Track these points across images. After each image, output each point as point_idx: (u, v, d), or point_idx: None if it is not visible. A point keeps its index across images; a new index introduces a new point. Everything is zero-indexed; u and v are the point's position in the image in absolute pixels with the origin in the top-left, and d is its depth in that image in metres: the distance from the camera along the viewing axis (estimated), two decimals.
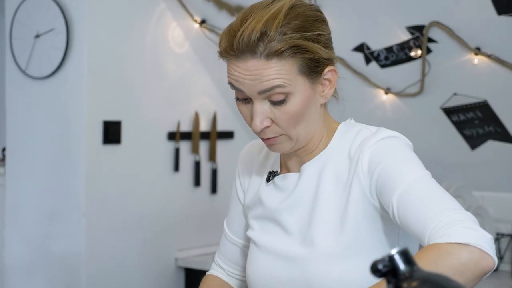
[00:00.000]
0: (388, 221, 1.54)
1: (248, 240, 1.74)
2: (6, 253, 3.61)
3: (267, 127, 1.55)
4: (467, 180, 3.29)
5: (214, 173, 3.92)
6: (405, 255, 0.95)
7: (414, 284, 0.93)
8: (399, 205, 1.45)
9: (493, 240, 1.39)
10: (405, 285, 0.93)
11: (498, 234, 3.36)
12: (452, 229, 1.37)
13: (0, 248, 3.63)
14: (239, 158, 1.82)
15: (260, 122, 1.53)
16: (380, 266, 0.94)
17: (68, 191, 3.44)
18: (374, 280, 1.42)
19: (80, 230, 3.39)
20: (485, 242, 1.36)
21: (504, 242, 3.39)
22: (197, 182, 3.84)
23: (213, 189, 3.92)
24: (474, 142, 3.27)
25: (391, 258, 0.95)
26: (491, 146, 3.24)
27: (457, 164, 3.30)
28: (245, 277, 1.78)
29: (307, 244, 1.58)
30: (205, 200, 3.90)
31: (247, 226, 1.75)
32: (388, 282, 0.95)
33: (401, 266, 0.95)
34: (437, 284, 0.93)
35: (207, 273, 1.87)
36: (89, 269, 3.39)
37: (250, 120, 1.56)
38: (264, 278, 1.63)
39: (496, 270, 3.35)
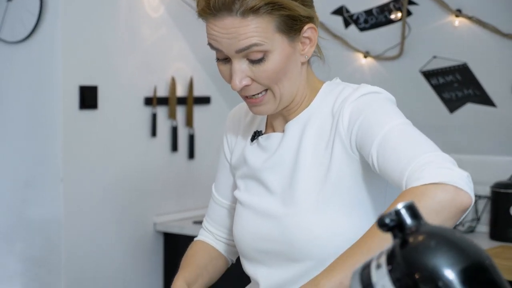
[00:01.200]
0: (374, 176, 1.53)
1: (235, 201, 1.74)
2: None
3: (247, 85, 1.54)
4: (445, 143, 3.31)
5: (191, 138, 3.91)
6: (412, 209, 0.95)
7: (421, 238, 0.93)
8: (378, 154, 1.44)
9: (469, 178, 1.37)
10: (411, 239, 0.93)
11: (476, 196, 3.39)
12: (426, 171, 1.35)
13: None
14: (226, 119, 1.82)
15: (239, 81, 1.53)
16: (387, 220, 0.94)
17: (45, 156, 3.41)
18: (358, 237, 1.42)
19: (58, 196, 3.36)
20: (460, 179, 1.34)
21: (481, 204, 3.42)
22: (174, 147, 3.82)
23: (191, 154, 3.91)
24: (453, 105, 3.28)
25: (397, 212, 0.94)
26: (470, 109, 3.26)
27: (436, 127, 3.32)
28: (232, 240, 1.78)
29: (288, 203, 1.58)
30: (182, 166, 3.88)
31: (234, 187, 1.75)
32: (395, 236, 0.94)
33: (408, 220, 0.94)
34: (443, 237, 0.93)
35: (195, 239, 1.87)
36: (67, 235, 3.37)
37: (229, 79, 1.55)
38: (249, 237, 1.63)
39: (472, 231, 3.38)
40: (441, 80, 3.21)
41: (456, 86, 3.21)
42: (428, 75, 3.24)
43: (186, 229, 3.60)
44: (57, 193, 3.36)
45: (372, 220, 1.52)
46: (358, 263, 1.29)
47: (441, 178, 1.34)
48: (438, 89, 3.26)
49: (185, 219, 3.77)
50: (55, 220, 3.37)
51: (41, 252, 3.42)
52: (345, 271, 1.34)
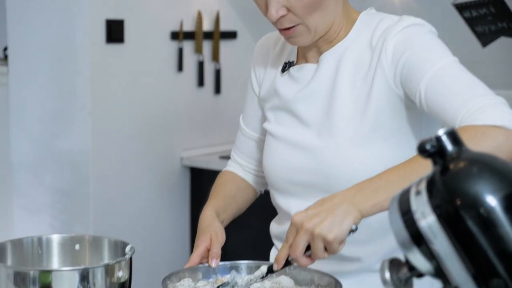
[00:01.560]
0: (412, 110, 1.52)
1: (264, 133, 1.73)
2: (13, 152, 3.60)
3: (283, 16, 1.51)
4: (477, 78, 3.26)
5: (217, 73, 3.88)
6: (453, 135, 0.93)
7: (462, 164, 0.91)
8: (427, 91, 1.43)
9: None
10: (452, 165, 0.91)
11: None
12: (485, 113, 1.35)
13: (7, 147, 3.61)
14: (254, 50, 1.79)
15: (275, 11, 1.50)
16: (427, 146, 0.92)
17: (72, 90, 3.41)
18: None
19: (86, 129, 3.37)
20: None
21: None
22: (200, 82, 3.80)
23: (217, 89, 3.89)
24: (486, 39, 3.22)
25: (438, 139, 0.92)
26: (503, 43, 3.19)
27: (468, 61, 3.26)
28: (261, 171, 1.78)
29: (325, 135, 1.57)
30: (208, 100, 3.87)
31: (263, 119, 1.73)
32: (435, 163, 0.92)
33: (449, 146, 0.92)
34: (485, 163, 0.91)
35: (223, 169, 1.86)
36: (95, 168, 3.39)
37: (265, 10, 1.53)
38: (282, 169, 1.62)
39: None
40: (474, 13, 3.14)
41: (489, 19, 3.14)
42: (461, 8, 3.17)
43: (212, 164, 3.61)
44: (85, 127, 3.37)
45: (409, 153, 1.49)
46: (395, 187, 1.28)
47: (502, 121, 1.33)
48: (471, 23, 3.19)
49: (211, 154, 3.78)
50: (83, 152, 3.38)
51: (69, 185, 3.44)
52: (382, 193, 1.34)
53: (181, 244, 3.77)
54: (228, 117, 3.87)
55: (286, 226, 1.65)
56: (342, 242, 1.34)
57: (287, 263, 1.41)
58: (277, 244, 1.72)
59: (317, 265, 1.45)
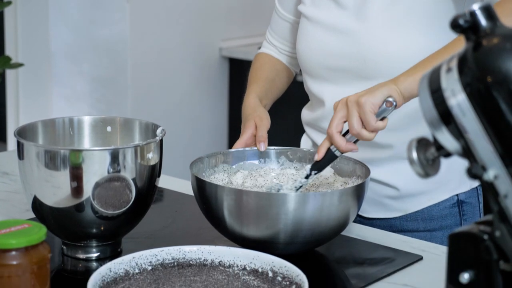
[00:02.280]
0: None
1: (299, 16, 1.69)
2: (52, 40, 3.59)
3: None
4: None
5: None
6: (488, 10, 0.89)
7: (495, 40, 0.87)
8: None
9: None
10: (485, 41, 0.87)
11: None
12: None
13: (46, 35, 3.61)
14: None
15: None
16: (460, 21, 0.88)
17: None
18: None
19: (124, 17, 3.35)
20: None
21: None
22: None
23: None
24: None
25: (472, 13, 0.88)
26: None
27: None
28: (295, 53, 1.75)
29: (362, 18, 1.53)
30: None
31: (298, 1, 1.69)
32: (468, 39, 0.89)
33: (483, 21, 0.88)
34: None
35: (258, 51, 1.83)
36: (133, 56, 3.38)
37: None
38: (316, 53, 1.59)
39: None
40: None
41: None
42: None
43: (251, 55, 3.56)
44: (123, 14, 3.35)
45: (449, 38, 1.45)
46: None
47: None
48: None
49: (250, 45, 3.74)
50: (122, 41, 3.37)
51: (107, 73, 3.45)
52: (421, 70, 1.32)
53: (219, 134, 3.79)
54: (268, 7, 3.80)
55: (317, 113, 1.64)
56: (373, 108, 1.33)
57: (332, 156, 1.40)
58: (308, 131, 1.70)
59: (351, 154, 1.43)
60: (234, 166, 1.54)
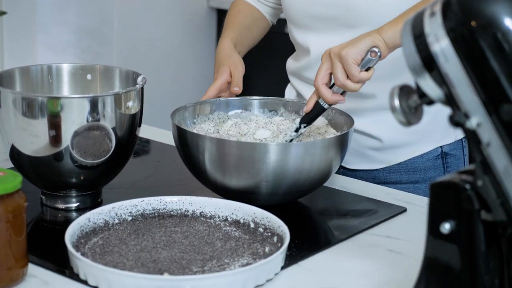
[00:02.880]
0: None
1: None
2: None
3: None
4: None
5: None
6: None
7: None
8: None
9: None
10: None
11: None
12: None
13: None
14: None
15: None
16: None
17: None
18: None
19: None
20: None
21: None
22: None
23: None
24: None
25: None
26: None
27: None
28: (275, 3, 1.71)
29: None
30: None
31: None
32: None
33: None
34: None
35: None
36: (120, 6, 3.33)
37: None
38: (301, 1, 1.55)
39: None
40: None
41: None
42: None
43: None
44: None
45: None
46: None
47: None
48: None
49: None
50: None
51: (93, 23, 3.40)
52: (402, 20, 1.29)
53: (206, 86, 3.74)
54: None
55: (302, 62, 1.61)
56: (355, 60, 1.32)
57: (321, 109, 1.38)
58: (293, 80, 1.67)
59: (338, 105, 1.41)
60: (219, 114, 1.51)
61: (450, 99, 0.85)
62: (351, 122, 1.40)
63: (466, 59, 0.83)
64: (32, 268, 1.15)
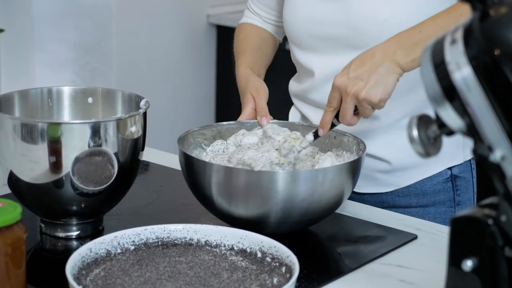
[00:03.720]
0: None
1: None
2: (34, 4, 3.49)
3: None
4: None
5: None
6: None
7: (504, 10, 0.81)
8: None
9: None
10: (492, 11, 0.81)
11: None
12: None
13: (28, 0, 3.51)
14: None
15: None
16: None
17: None
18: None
19: None
20: None
21: None
22: None
23: None
24: None
25: None
26: None
27: None
28: (281, 22, 1.68)
29: None
30: None
31: None
32: (474, 8, 0.82)
33: None
34: None
35: (240, 21, 1.76)
36: (119, 23, 3.30)
37: None
38: (304, 22, 1.52)
39: None
40: None
41: None
42: None
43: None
44: None
45: (441, 2, 1.38)
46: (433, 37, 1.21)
47: None
48: None
49: (239, 12, 3.63)
50: (106, 6, 3.28)
51: (92, 40, 3.36)
52: (422, 47, 1.26)
53: (207, 104, 3.72)
54: None
55: (306, 84, 1.57)
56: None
57: (332, 126, 1.37)
58: (297, 103, 1.64)
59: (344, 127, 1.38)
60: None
61: (472, 131, 0.81)
62: (363, 146, 1.36)
63: (489, 89, 0.80)
64: None
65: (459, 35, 0.82)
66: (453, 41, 0.82)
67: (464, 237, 0.84)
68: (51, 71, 3.43)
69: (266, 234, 1.21)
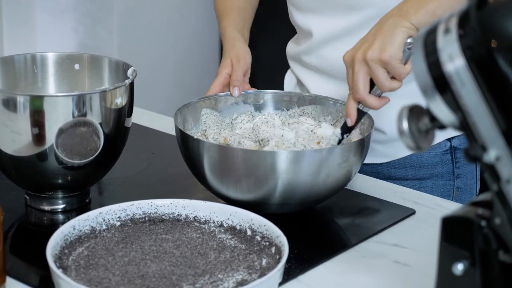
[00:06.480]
0: None
1: None
2: None
3: None
4: None
5: None
6: None
7: None
8: None
9: None
10: None
11: None
12: None
13: None
14: None
15: None
16: None
17: None
18: None
19: None
20: None
21: None
22: None
23: None
24: None
25: None
26: None
27: None
28: None
29: None
30: None
31: None
32: None
33: None
34: None
35: None
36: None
37: None
38: None
39: None
40: None
41: None
42: None
43: None
44: None
45: None
46: None
47: None
48: None
49: None
50: None
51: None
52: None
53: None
54: None
55: (303, 46, 1.51)
56: (400, 60, 1.20)
57: (361, 115, 1.26)
58: (293, 66, 1.57)
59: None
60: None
61: (465, 127, 0.75)
62: (371, 122, 1.28)
63: (485, 83, 0.74)
64: (11, 283, 1.07)
65: (453, 23, 0.75)
66: (447, 30, 0.75)
67: (456, 239, 0.79)
68: (52, 18, 3.36)
69: (269, 214, 1.17)
